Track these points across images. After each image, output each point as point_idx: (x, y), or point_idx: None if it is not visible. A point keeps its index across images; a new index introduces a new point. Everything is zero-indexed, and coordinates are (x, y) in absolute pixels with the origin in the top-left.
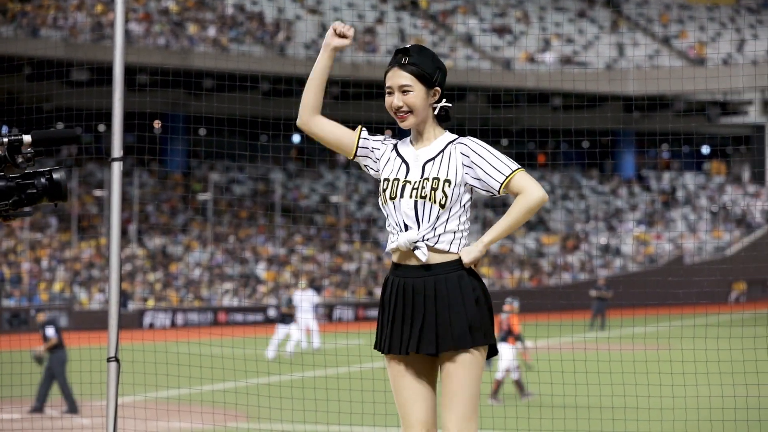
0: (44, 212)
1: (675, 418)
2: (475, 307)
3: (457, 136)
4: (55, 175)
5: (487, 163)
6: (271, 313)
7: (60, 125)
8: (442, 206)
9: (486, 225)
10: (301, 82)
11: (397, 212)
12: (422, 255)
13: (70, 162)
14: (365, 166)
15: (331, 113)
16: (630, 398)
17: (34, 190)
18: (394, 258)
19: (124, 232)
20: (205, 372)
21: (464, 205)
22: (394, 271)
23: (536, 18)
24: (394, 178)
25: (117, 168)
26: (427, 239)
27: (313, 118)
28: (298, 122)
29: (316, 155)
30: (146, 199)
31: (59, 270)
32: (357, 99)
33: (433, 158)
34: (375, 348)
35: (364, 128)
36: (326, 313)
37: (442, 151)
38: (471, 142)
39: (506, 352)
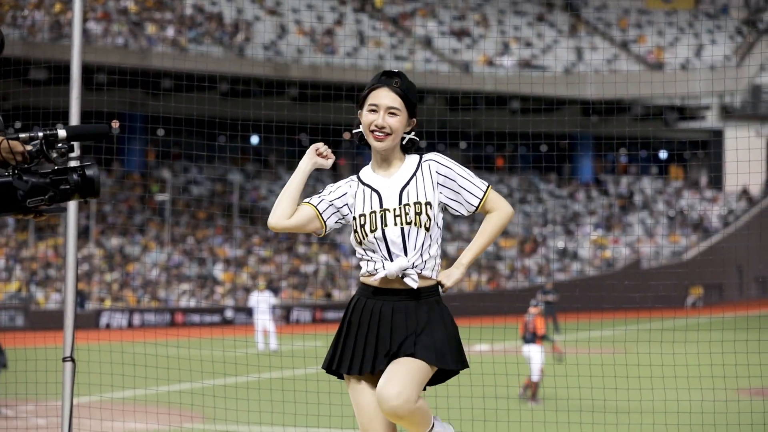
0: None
1: (630, 422)
2: (454, 332)
3: (421, 155)
4: (88, 171)
5: (463, 180)
6: (228, 314)
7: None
8: (427, 229)
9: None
10: (260, 83)
11: (381, 243)
12: (413, 282)
13: None
14: (337, 222)
15: (289, 114)
16: (585, 401)
17: (67, 186)
18: (373, 283)
19: (81, 232)
20: (161, 373)
21: (440, 227)
22: (371, 296)
23: (495, 21)
24: (370, 211)
25: None
26: (417, 265)
27: (286, 222)
28: (272, 225)
29: (274, 156)
30: (104, 198)
31: (16, 269)
32: (315, 101)
33: (408, 182)
34: (330, 370)
35: (312, 199)
36: (283, 315)
37: (415, 173)
38: (440, 158)
39: (537, 354)
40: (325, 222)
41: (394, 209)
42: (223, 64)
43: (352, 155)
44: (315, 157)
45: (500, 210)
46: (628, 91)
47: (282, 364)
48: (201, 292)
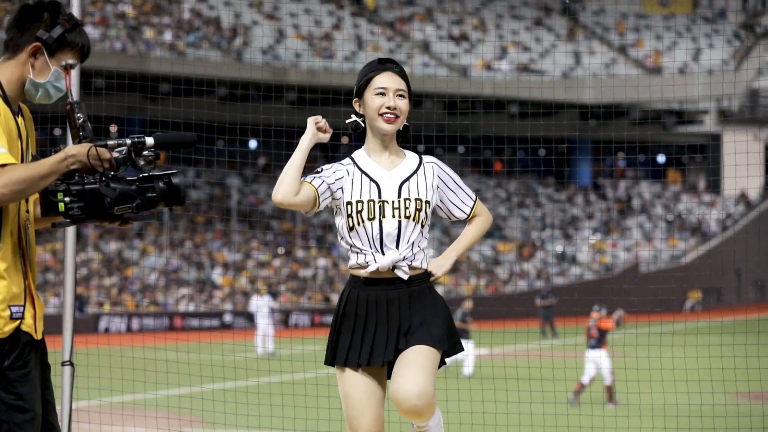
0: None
1: (630, 426)
2: (448, 316)
3: (420, 155)
4: (174, 180)
5: (457, 188)
6: (227, 318)
7: None
8: (422, 226)
9: (446, 232)
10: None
11: (373, 232)
12: (404, 274)
13: None
14: (328, 204)
15: (287, 119)
16: (585, 405)
17: (154, 194)
18: (364, 275)
19: (79, 237)
20: (160, 377)
21: (428, 225)
22: (363, 287)
23: (493, 26)
24: (368, 199)
25: None
26: (407, 258)
27: (293, 199)
28: (279, 201)
29: (273, 160)
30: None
31: None
32: (314, 105)
33: (408, 178)
34: (333, 362)
35: (313, 180)
36: (282, 319)
37: (416, 171)
38: (438, 162)
39: (605, 358)
40: (320, 203)
41: (393, 201)
42: (221, 68)
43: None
44: (316, 132)
45: (486, 216)
46: (626, 96)
47: (281, 368)
48: (200, 296)
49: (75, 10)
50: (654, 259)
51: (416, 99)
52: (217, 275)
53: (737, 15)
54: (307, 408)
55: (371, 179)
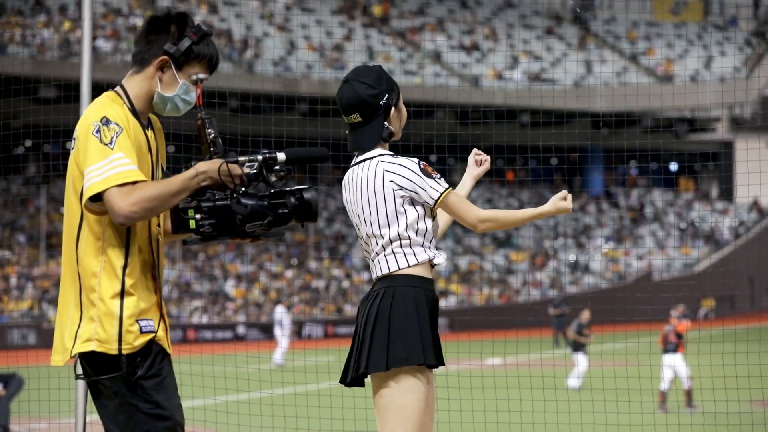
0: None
1: None
2: None
3: None
4: (306, 195)
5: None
6: (240, 330)
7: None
8: None
9: (468, 252)
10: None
11: (435, 230)
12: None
13: (39, 179)
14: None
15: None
16: (599, 414)
17: (285, 210)
18: (428, 274)
19: None
20: None
21: None
22: (430, 287)
23: (504, 35)
24: None
25: None
26: None
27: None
28: (481, 228)
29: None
30: None
31: (28, 287)
32: (325, 116)
33: None
34: (429, 363)
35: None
36: (296, 330)
37: None
38: None
39: (681, 363)
40: None
41: None
42: (233, 80)
43: None
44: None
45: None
46: (637, 104)
47: (294, 380)
48: (213, 308)
49: (86, 24)
50: (667, 267)
51: (428, 109)
52: (230, 287)
53: (748, 22)
54: (320, 419)
55: None
